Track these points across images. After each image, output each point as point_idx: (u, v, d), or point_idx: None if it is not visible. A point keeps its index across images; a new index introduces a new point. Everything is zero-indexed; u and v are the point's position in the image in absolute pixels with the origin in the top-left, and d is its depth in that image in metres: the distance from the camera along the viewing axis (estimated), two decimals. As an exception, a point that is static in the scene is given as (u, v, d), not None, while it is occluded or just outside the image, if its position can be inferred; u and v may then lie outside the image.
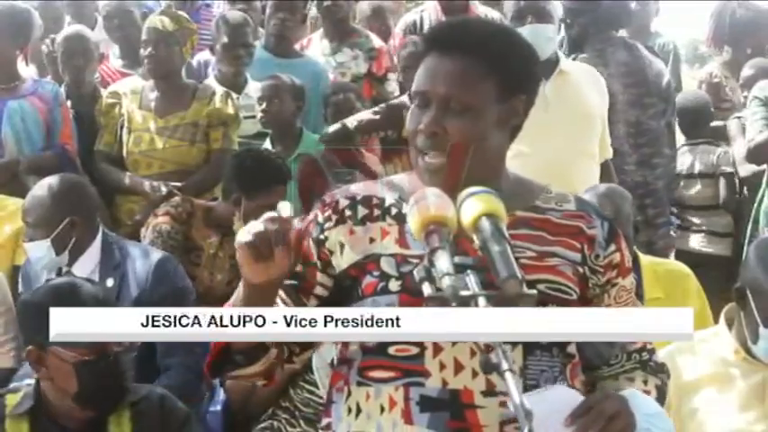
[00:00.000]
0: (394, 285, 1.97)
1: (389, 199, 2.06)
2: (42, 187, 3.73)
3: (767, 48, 5.83)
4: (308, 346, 2.09)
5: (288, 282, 2.01)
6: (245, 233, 1.82)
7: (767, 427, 2.74)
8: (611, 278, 2.07)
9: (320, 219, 2.07)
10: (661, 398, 2.12)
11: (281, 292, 2.01)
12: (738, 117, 5.22)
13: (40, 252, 3.67)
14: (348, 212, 2.05)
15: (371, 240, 2.02)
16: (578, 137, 4.41)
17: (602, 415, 1.85)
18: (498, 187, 1.90)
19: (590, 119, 4.48)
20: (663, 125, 5.17)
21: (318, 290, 2.05)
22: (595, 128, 4.49)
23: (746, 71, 5.47)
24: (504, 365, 1.62)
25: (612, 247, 2.07)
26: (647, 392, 2.09)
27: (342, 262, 2.03)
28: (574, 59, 4.86)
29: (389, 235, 2.02)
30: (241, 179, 4.21)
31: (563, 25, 4.88)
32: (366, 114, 4.93)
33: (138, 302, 3.56)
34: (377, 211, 2.05)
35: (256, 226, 1.82)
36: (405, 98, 4.96)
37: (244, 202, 4.18)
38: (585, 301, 2.04)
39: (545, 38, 4.47)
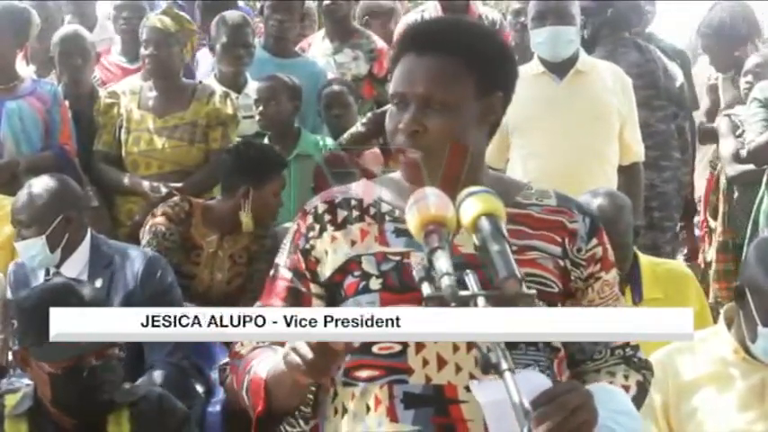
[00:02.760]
0: (374, 284, 1.98)
1: (368, 199, 2.08)
2: (34, 186, 3.76)
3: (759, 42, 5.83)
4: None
5: (285, 304, 2.04)
6: (293, 356, 1.81)
7: (766, 426, 2.74)
8: (595, 272, 2.08)
9: (303, 229, 2.08)
10: (641, 394, 2.11)
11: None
12: (728, 115, 5.22)
13: (33, 250, 3.69)
14: (327, 217, 2.07)
15: (352, 243, 2.03)
16: (589, 139, 4.40)
17: (564, 407, 1.80)
18: (479, 183, 1.91)
19: (604, 120, 4.46)
20: (673, 128, 5.17)
21: (315, 303, 2.05)
22: (610, 130, 4.48)
23: (754, 59, 5.46)
24: (504, 365, 1.62)
25: (594, 241, 2.08)
26: (627, 387, 2.07)
27: (326, 270, 2.04)
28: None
29: (369, 234, 2.03)
30: (248, 170, 4.27)
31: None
32: (354, 129, 5.04)
33: (127, 302, 3.60)
34: (356, 213, 2.06)
35: (307, 352, 1.79)
36: (388, 105, 5.03)
37: (252, 193, 4.23)
38: (568, 294, 2.06)
39: (566, 40, 4.47)
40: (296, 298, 2.05)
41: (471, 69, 2.00)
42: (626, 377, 2.09)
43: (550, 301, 2.02)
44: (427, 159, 1.98)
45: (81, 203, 3.82)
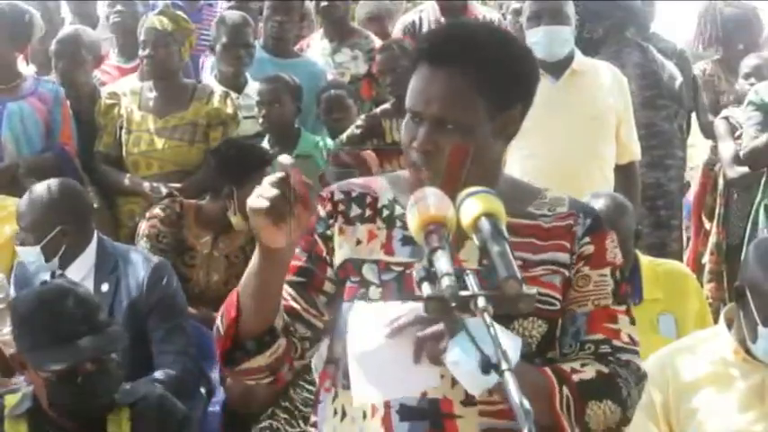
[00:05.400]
0: (374, 293, 1.98)
1: (383, 199, 2.07)
2: (36, 192, 3.74)
3: (761, 42, 5.84)
4: (317, 341, 2.05)
5: (296, 279, 2.01)
6: (257, 198, 1.79)
7: (767, 427, 2.74)
8: (579, 268, 2.04)
9: (323, 214, 2.06)
10: (603, 383, 1.95)
11: (288, 289, 1.99)
12: (726, 117, 5.23)
13: (30, 257, 3.71)
14: (341, 207, 2.06)
15: (358, 242, 2.03)
16: (586, 139, 4.40)
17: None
18: (494, 187, 1.89)
19: (601, 120, 4.46)
20: (675, 127, 5.18)
21: (327, 286, 2.04)
22: (607, 130, 4.48)
23: (752, 60, 5.47)
24: (504, 365, 1.62)
25: (586, 239, 2.04)
26: (575, 370, 1.95)
27: (336, 260, 2.04)
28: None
29: (376, 239, 2.02)
30: (229, 170, 4.26)
31: (580, 27, 4.82)
32: (350, 131, 5.08)
33: (133, 307, 3.60)
34: (369, 212, 2.05)
35: (268, 189, 1.78)
36: (383, 107, 5.16)
37: (236, 192, 4.22)
38: (563, 308, 2.02)
39: (561, 40, 4.48)
40: (308, 277, 2.03)
41: (489, 87, 1.96)
42: (582, 365, 1.98)
43: (549, 318, 2.00)
44: (439, 178, 1.95)
45: (83, 211, 3.77)
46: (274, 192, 1.77)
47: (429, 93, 1.97)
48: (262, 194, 1.78)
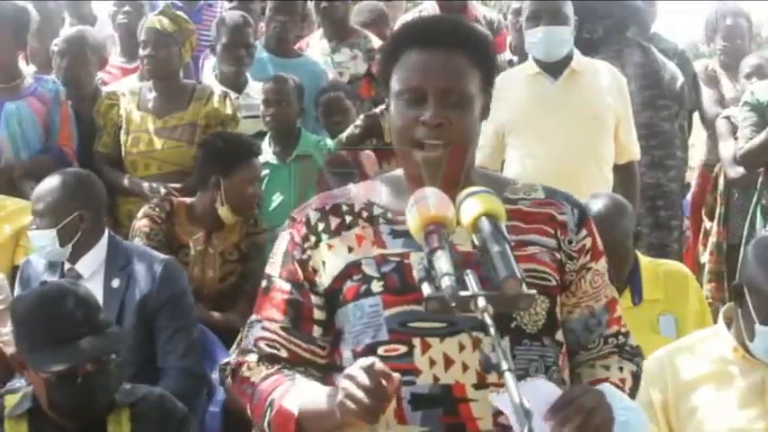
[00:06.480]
0: (376, 286, 1.98)
1: (358, 204, 2.07)
2: (56, 178, 3.76)
3: (738, 43, 5.86)
4: (324, 375, 2.08)
5: (287, 322, 2.05)
6: (348, 401, 1.81)
7: (766, 425, 2.74)
8: (585, 263, 2.10)
9: (297, 239, 2.07)
10: (636, 383, 2.16)
11: (287, 335, 2.04)
12: (727, 117, 5.23)
13: (44, 240, 3.69)
14: (321, 226, 2.06)
15: (350, 249, 2.03)
16: (585, 139, 4.40)
17: (581, 409, 1.85)
18: (470, 181, 1.94)
19: (600, 120, 4.46)
20: (676, 127, 5.18)
21: (317, 313, 2.05)
22: (606, 130, 4.47)
23: (752, 60, 5.48)
24: (504, 365, 1.63)
25: (584, 232, 2.09)
26: (623, 380, 2.11)
27: (324, 279, 2.04)
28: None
29: (366, 239, 2.03)
30: (216, 160, 4.30)
31: (579, 27, 4.82)
32: (349, 131, 5.11)
33: (144, 303, 3.61)
34: (349, 218, 2.05)
35: (360, 395, 1.80)
36: (382, 107, 5.09)
37: (223, 182, 4.25)
38: (563, 286, 2.07)
39: (560, 40, 4.47)
40: (296, 309, 2.06)
41: (478, 65, 2.02)
42: (621, 369, 2.12)
43: (550, 294, 2.02)
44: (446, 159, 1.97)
45: (99, 203, 3.78)
46: (366, 402, 1.79)
47: (429, 68, 1.99)
48: (354, 397, 1.80)
